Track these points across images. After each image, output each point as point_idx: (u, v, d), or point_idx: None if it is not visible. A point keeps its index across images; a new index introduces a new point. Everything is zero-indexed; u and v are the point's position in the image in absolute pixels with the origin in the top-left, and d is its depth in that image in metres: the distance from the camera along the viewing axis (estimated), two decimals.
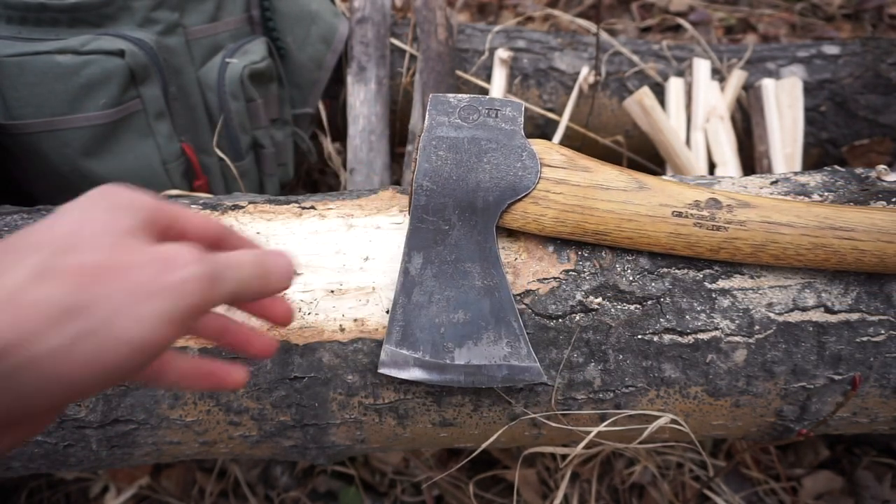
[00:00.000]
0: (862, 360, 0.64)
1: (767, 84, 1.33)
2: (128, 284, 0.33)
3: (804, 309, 0.64)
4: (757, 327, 0.64)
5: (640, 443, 0.70)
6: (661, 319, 0.64)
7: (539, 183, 0.63)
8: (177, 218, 0.40)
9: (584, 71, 1.36)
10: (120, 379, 0.33)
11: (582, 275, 0.65)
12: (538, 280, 0.65)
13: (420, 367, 0.60)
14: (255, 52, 1.13)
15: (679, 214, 0.62)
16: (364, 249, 0.68)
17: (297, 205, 0.73)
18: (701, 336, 0.64)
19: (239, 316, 0.48)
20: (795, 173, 0.74)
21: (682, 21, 1.86)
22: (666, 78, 1.38)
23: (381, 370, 0.60)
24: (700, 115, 1.31)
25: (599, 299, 0.64)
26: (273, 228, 0.71)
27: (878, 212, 0.62)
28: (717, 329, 0.64)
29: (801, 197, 0.70)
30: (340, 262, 0.67)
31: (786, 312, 0.64)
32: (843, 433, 0.82)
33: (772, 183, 0.72)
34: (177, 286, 0.34)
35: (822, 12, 1.99)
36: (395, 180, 1.42)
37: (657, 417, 0.67)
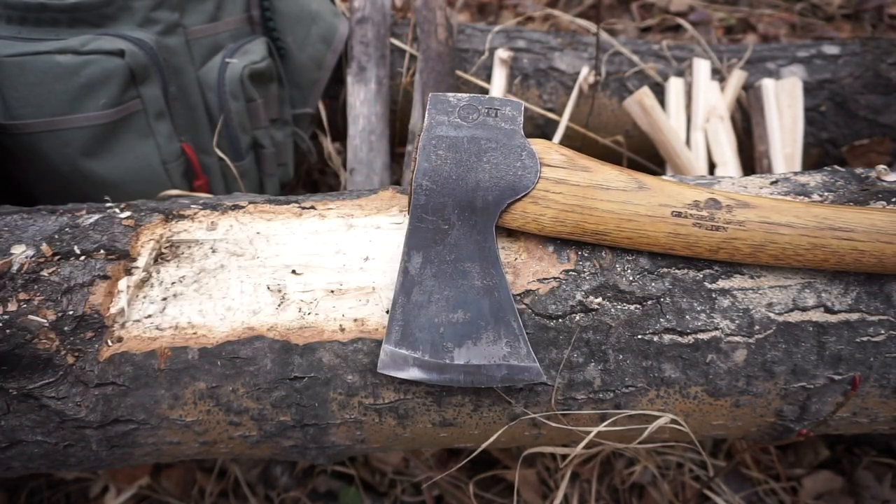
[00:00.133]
0: (862, 360, 0.64)
1: (767, 84, 1.33)
2: None
3: (804, 309, 0.64)
4: (757, 327, 0.64)
5: (640, 443, 0.70)
6: (661, 319, 0.64)
7: (539, 182, 0.63)
8: None
9: (584, 71, 1.36)
10: None
11: (582, 275, 0.65)
12: (538, 280, 0.65)
13: (419, 366, 0.60)
14: (255, 52, 1.13)
15: (678, 214, 0.62)
16: (364, 249, 0.68)
17: (297, 205, 0.73)
18: (701, 336, 0.64)
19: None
20: (795, 173, 0.74)
21: (682, 21, 1.86)
22: (666, 78, 1.38)
23: (381, 370, 0.60)
24: (700, 115, 1.31)
25: (599, 299, 0.64)
26: (273, 228, 0.71)
27: (878, 213, 0.62)
28: (717, 329, 0.64)
29: (801, 197, 0.70)
30: (340, 262, 0.67)
31: (786, 312, 0.64)
32: (843, 433, 0.82)
33: (772, 183, 0.72)
34: None
35: (822, 12, 1.99)
36: (395, 180, 1.42)
37: (657, 417, 0.67)
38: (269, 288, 0.66)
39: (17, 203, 0.81)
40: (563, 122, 1.34)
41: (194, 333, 0.63)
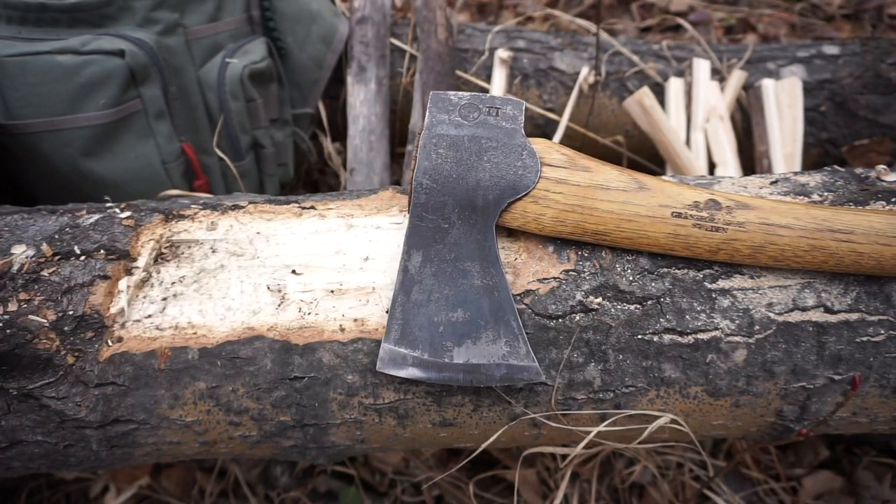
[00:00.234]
0: (862, 360, 0.64)
1: (767, 84, 1.33)
2: None
3: (804, 309, 0.64)
4: (757, 327, 0.64)
5: (640, 443, 0.70)
6: (661, 319, 0.64)
7: (539, 182, 0.63)
8: None
9: (584, 71, 1.36)
10: None
11: (582, 275, 0.65)
12: (538, 280, 0.65)
13: (418, 365, 0.60)
14: (255, 52, 1.13)
15: (678, 215, 0.62)
16: (364, 249, 0.68)
17: (297, 205, 0.73)
18: (701, 336, 0.64)
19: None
20: (795, 173, 0.74)
21: (682, 21, 1.86)
22: (666, 78, 1.38)
23: (380, 368, 0.60)
24: (700, 115, 1.31)
25: (599, 299, 0.64)
26: (273, 228, 0.71)
27: (877, 214, 0.62)
28: (717, 329, 0.64)
29: (801, 197, 0.70)
30: (340, 262, 0.67)
31: (786, 312, 0.64)
32: (843, 433, 0.82)
33: (772, 183, 0.72)
34: None
35: (821, 12, 1.99)
36: (395, 180, 1.42)
37: (657, 417, 0.67)
38: (269, 288, 0.66)
39: (18, 203, 0.81)
40: (563, 122, 1.34)
41: (194, 333, 0.63)
